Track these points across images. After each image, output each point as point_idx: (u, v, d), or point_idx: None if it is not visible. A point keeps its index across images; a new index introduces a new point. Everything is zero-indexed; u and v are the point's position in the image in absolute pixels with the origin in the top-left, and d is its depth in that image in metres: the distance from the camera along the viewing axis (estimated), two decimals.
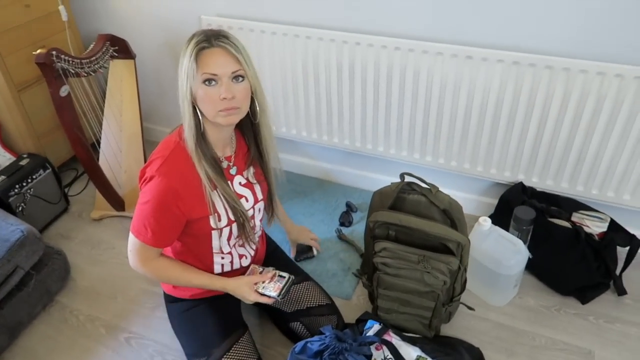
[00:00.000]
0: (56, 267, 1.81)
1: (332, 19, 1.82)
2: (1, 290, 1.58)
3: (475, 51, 1.62)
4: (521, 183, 1.78)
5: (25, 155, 2.08)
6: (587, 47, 1.52)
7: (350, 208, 2.09)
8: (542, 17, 1.53)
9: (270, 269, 1.42)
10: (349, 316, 1.61)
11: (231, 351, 1.40)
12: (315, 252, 1.84)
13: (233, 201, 1.31)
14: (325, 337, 1.23)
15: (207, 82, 1.17)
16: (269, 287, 1.35)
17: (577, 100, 1.57)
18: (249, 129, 1.37)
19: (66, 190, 2.29)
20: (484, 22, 1.61)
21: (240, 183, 1.38)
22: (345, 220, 2.03)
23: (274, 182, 1.47)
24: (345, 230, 2.01)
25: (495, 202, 1.90)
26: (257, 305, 1.57)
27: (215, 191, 1.28)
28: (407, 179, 1.49)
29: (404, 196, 1.47)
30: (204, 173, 1.25)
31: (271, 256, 1.65)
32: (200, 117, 1.23)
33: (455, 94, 1.73)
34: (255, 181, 1.42)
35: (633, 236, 1.62)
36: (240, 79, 1.20)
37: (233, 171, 1.37)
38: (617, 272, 1.65)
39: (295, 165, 2.33)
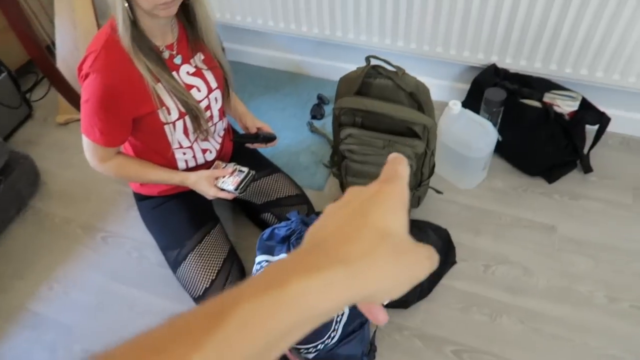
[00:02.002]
0: (24, 170, 1.79)
1: None
2: None
3: None
4: (494, 65, 1.72)
5: None
6: None
7: (321, 100, 2.04)
8: None
9: (232, 164, 1.39)
10: (322, 206, 1.62)
11: (203, 242, 1.43)
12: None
13: (180, 93, 1.25)
14: (292, 222, 1.25)
15: None
16: (228, 181, 1.33)
17: None
18: (184, 11, 1.26)
19: (28, 95, 2.20)
20: None
21: (188, 72, 1.30)
22: (317, 112, 1.99)
23: (226, 64, 1.37)
24: (317, 122, 1.98)
25: (468, 87, 1.85)
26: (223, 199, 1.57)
27: (159, 84, 1.22)
28: (373, 62, 1.42)
29: (370, 81, 1.42)
30: (143, 66, 1.17)
31: (240, 151, 1.63)
32: (131, 6, 1.12)
33: None
34: (206, 68, 1.33)
35: (603, 114, 1.60)
36: None
37: (178, 60, 1.28)
38: (585, 150, 1.66)
39: (265, 59, 2.23)
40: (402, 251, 0.35)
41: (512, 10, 1.60)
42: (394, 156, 0.41)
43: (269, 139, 1.46)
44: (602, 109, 1.61)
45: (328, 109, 2.02)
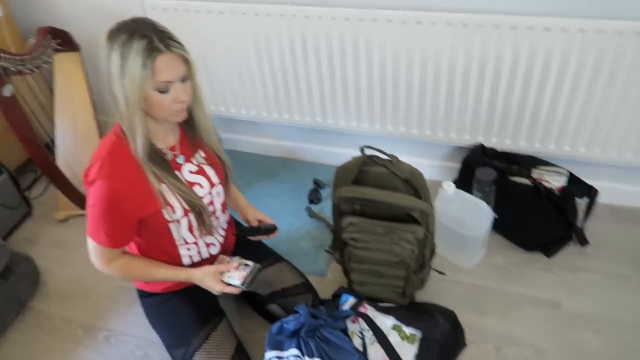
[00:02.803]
0: (25, 272, 1.77)
1: None
2: None
3: (424, 15, 1.60)
4: (481, 145, 1.80)
5: None
6: (530, 3, 1.51)
7: (317, 185, 2.09)
8: None
9: (237, 258, 1.40)
10: (326, 292, 1.63)
11: (210, 338, 1.40)
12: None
13: (184, 193, 1.29)
14: (300, 315, 1.25)
15: (161, 89, 1.15)
16: (234, 276, 1.34)
17: (526, 58, 1.58)
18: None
19: (26, 193, 2.22)
20: None
21: (190, 171, 1.35)
22: (314, 197, 2.03)
23: (226, 160, 1.45)
24: (314, 207, 2.02)
25: (458, 166, 1.92)
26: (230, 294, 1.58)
27: (163, 184, 1.27)
28: (367, 151, 1.49)
29: (367, 169, 1.47)
30: (149, 170, 1.23)
31: (242, 242, 1.65)
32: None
33: (409, 61, 1.72)
34: (207, 164, 1.39)
35: (591, 187, 1.67)
36: (187, 78, 1.20)
37: (180, 160, 1.34)
38: (579, 223, 1.70)
39: (259, 146, 2.30)
40: None
41: (491, 93, 1.70)
42: None
43: (270, 230, 1.49)
44: (589, 181, 1.68)
45: (325, 193, 2.07)
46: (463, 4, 1.57)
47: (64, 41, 1.97)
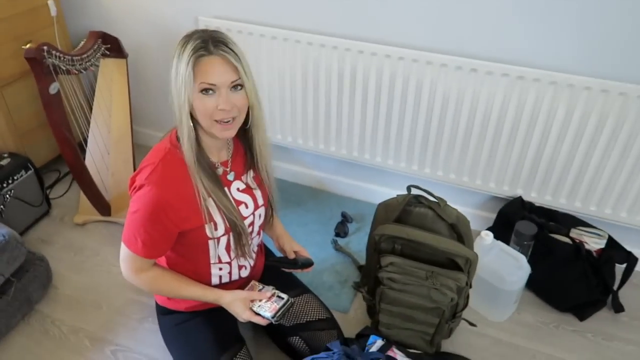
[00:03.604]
0: (38, 274, 1.71)
1: (334, 26, 1.79)
2: None
3: (481, 64, 1.61)
4: (520, 197, 1.78)
5: (5, 155, 1.97)
6: (592, 65, 1.54)
7: (345, 218, 2.05)
8: (547, 33, 1.54)
9: (270, 288, 1.34)
10: (347, 330, 1.57)
11: None
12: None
13: (229, 212, 1.25)
14: (333, 353, 1.19)
15: (204, 92, 1.12)
16: (265, 306, 1.27)
17: (579, 117, 1.58)
18: (243, 133, 1.31)
19: (47, 192, 2.18)
20: (489, 36, 1.61)
21: (238, 189, 1.32)
22: (341, 230, 1.99)
23: (273, 186, 1.40)
24: (340, 241, 1.97)
25: (491, 216, 1.90)
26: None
27: (210, 198, 1.23)
28: (414, 191, 1.46)
29: (410, 209, 1.45)
30: (199, 182, 1.20)
31: (268, 269, 1.60)
32: (194, 124, 1.18)
33: (458, 107, 1.72)
34: (255, 186, 1.36)
35: (630, 253, 1.63)
36: (239, 87, 1.16)
37: (230, 177, 1.31)
38: (614, 289, 1.66)
39: (289, 173, 2.28)
40: None
41: (538, 148, 1.69)
42: None
43: (306, 265, 1.44)
44: (628, 247, 1.65)
45: (352, 228, 2.03)
46: (522, 57, 1.59)
47: (113, 47, 1.98)
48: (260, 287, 1.37)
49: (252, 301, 1.30)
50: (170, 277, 1.33)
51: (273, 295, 1.31)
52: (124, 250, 1.26)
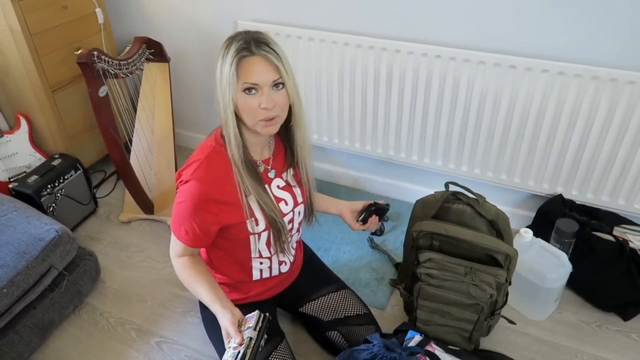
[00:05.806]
0: (87, 268, 1.80)
1: (370, 26, 1.81)
2: (35, 289, 1.57)
3: (519, 60, 1.60)
4: (561, 195, 1.76)
5: (56, 156, 2.08)
6: (635, 59, 1.50)
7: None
8: (587, 26, 1.52)
9: (247, 338, 1.15)
10: (384, 327, 1.58)
11: (270, 358, 1.37)
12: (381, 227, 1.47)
13: (269, 208, 1.29)
14: (374, 345, 1.21)
15: (247, 91, 1.16)
16: (229, 351, 1.14)
17: (623, 112, 1.55)
18: (285, 132, 1.34)
19: (94, 191, 2.28)
20: (528, 32, 1.60)
21: (278, 186, 1.36)
22: (377, 229, 2.00)
23: (312, 185, 1.42)
24: (376, 239, 1.99)
25: (530, 214, 1.87)
26: (296, 315, 1.61)
27: (251, 195, 1.27)
28: (452, 188, 1.47)
29: (448, 205, 1.45)
30: (241, 179, 1.24)
31: (307, 264, 1.63)
32: (238, 123, 1.21)
33: (496, 104, 1.71)
34: (294, 184, 1.40)
35: None
36: (280, 86, 1.18)
37: (271, 174, 1.35)
38: None
39: (324, 172, 2.31)
40: None
41: (580, 145, 1.66)
42: None
43: (387, 209, 1.52)
44: None
45: (387, 226, 2.04)
46: (561, 53, 1.57)
47: (156, 52, 2.06)
48: (251, 324, 1.20)
49: (229, 337, 1.21)
50: (192, 270, 1.31)
51: (243, 343, 1.15)
52: (172, 235, 1.31)
